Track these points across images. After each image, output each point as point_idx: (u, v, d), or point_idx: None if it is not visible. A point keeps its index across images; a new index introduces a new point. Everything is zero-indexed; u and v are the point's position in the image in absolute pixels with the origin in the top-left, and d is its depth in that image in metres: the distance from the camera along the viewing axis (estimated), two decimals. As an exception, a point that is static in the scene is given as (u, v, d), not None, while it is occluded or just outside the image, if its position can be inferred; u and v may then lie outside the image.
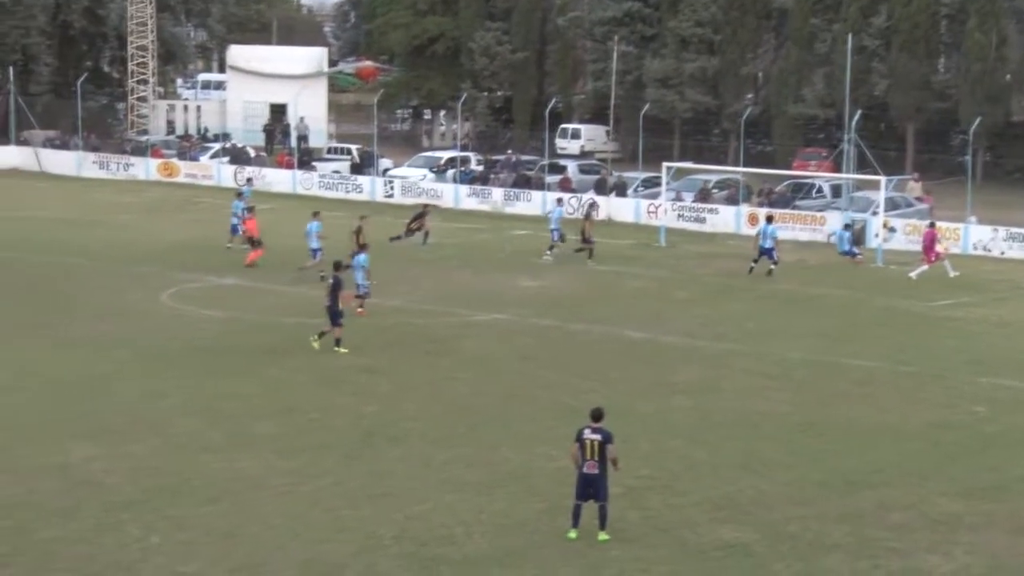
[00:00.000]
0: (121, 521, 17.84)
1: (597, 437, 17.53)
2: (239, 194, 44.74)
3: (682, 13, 73.60)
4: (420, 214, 45.15)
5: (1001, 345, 30.78)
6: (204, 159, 67.82)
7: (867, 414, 24.19)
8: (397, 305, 34.07)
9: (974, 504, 19.24)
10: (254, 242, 39.77)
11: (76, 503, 18.51)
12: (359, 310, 31.50)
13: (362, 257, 32.15)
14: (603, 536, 17.44)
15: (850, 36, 58.76)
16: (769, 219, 42.46)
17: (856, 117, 51.96)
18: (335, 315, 28.15)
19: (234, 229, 42.79)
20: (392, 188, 59.70)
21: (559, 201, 46.10)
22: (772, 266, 40.11)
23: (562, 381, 26.16)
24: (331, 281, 28.43)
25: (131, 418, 22.86)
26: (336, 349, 28.01)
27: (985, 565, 17.01)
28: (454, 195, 57.47)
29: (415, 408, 23.95)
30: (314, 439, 21.83)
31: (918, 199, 51.78)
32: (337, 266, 29.07)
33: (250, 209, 41.36)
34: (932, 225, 42.05)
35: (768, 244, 40.40)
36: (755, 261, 40.22)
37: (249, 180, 50.88)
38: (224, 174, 64.62)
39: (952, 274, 40.26)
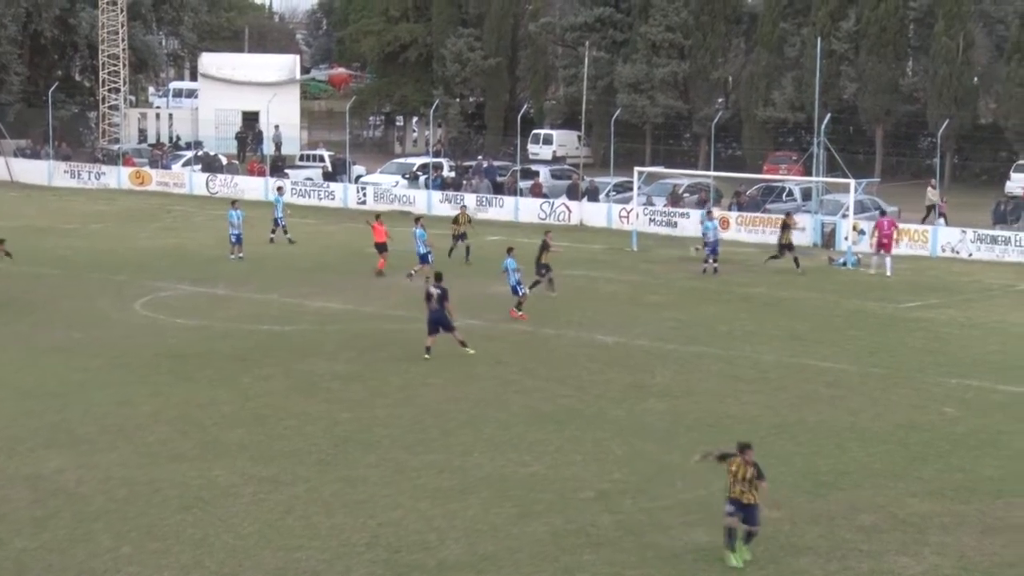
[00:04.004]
0: (93, 531, 17.81)
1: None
2: (233, 203, 44.90)
3: (653, 18, 73.93)
4: (456, 217, 44.82)
5: (970, 346, 31.01)
6: (176, 167, 67.78)
7: (838, 416, 24.34)
8: (370, 311, 34.14)
9: (944, 505, 19.39)
10: (381, 248, 40.07)
11: (48, 513, 18.47)
12: (520, 314, 32.85)
13: (509, 261, 33.21)
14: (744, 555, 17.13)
15: (819, 40, 59.13)
16: (709, 214, 43.47)
17: (825, 120, 52.31)
18: (446, 323, 28.40)
19: (237, 239, 42.81)
20: (365, 195, 59.75)
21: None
22: (706, 263, 41.03)
23: (535, 386, 26.23)
24: (438, 292, 28.38)
25: (103, 427, 22.81)
26: (466, 351, 28.41)
27: (954, 566, 17.13)
28: (427, 201, 57.55)
29: (388, 414, 23.98)
30: (287, 446, 21.84)
31: (931, 206, 52.01)
32: (439, 277, 29.02)
33: (378, 217, 41.69)
34: (883, 213, 43.49)
35: (712, 237, 41.11)
36: (706, 260, 41.20)
37: (280, 189, 51.04)
38: (196, 182, 64.60)
39: (871, 271, 41.57)
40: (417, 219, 41.43)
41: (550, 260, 36.16)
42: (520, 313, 33.13)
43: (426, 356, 28.22)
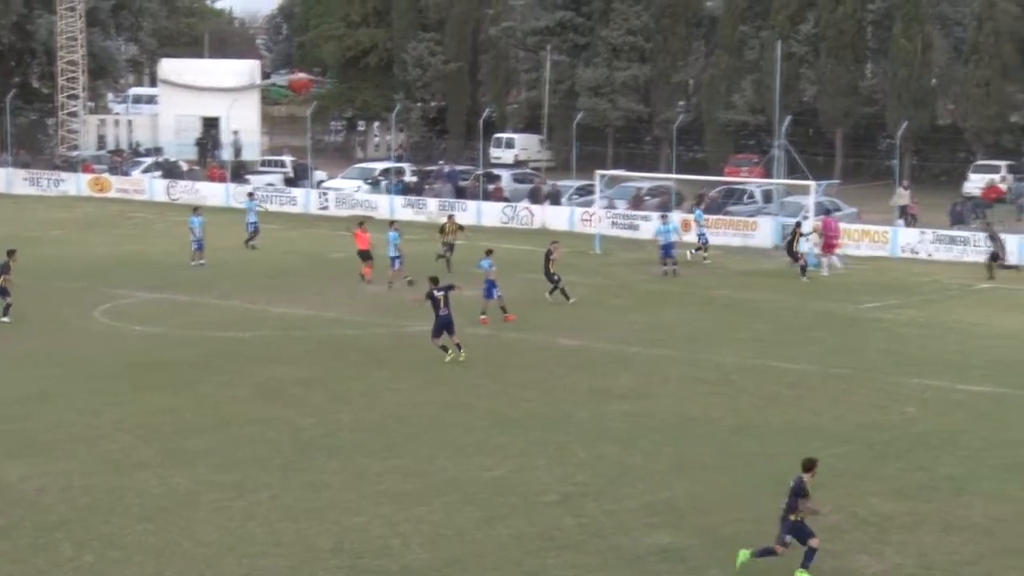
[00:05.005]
0: (54, 540, 17.69)
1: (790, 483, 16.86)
2: (195, 209, 44.74)
3: (613, 22, 74.11)
4: (443, 226, 44.58)
5: (929, 346, 31.24)
6: (136, 174, 67.40)
7: (800, 417, 24.48)
8: (333, 316, 34.07)
9: (905, 504, 19.52)
10: (364, 255, 39.65)
11: (9, 523, 18.33)
12: (484, 318, 32.68)
13: (484, 262, 33.28)
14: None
15: (779, 43, 59.49)
16: (663, 218, 43.64)
17: (786, 123, 52.60)
18: (452, 327, 28.41)
19: (198, 245, 42.59)
20: (327, 200, 59.60)
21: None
22: (665, 266, 41.08)
23: (499, 390, 26.24)
24: (443, 293, 28.37)
25: (64, 435, 22.68)
26: (458, 355, 28.37)
27: (915, 564, 17.25)
28: (389, 206, 57.47)
29: (351, 419, 23.94)
30: (250, 453, 21.76)
31: (905, 207, 52.17)
32: (435, 280, 28.98)
33: (361, 224, 41.36)
34: (828, 213, 43.61)
35: (664, 240, 41.27)
36: (663, 263, 41.14)
37: (251, 195, 50.85)
38: (156, 189, 64.27)
39: (824, 273, 41.48)
40: (391, 223, 41.57)
41: (555, 268, 36.29)
42: (483, 317, 33.08)
43: (447, 357, 28.31)
